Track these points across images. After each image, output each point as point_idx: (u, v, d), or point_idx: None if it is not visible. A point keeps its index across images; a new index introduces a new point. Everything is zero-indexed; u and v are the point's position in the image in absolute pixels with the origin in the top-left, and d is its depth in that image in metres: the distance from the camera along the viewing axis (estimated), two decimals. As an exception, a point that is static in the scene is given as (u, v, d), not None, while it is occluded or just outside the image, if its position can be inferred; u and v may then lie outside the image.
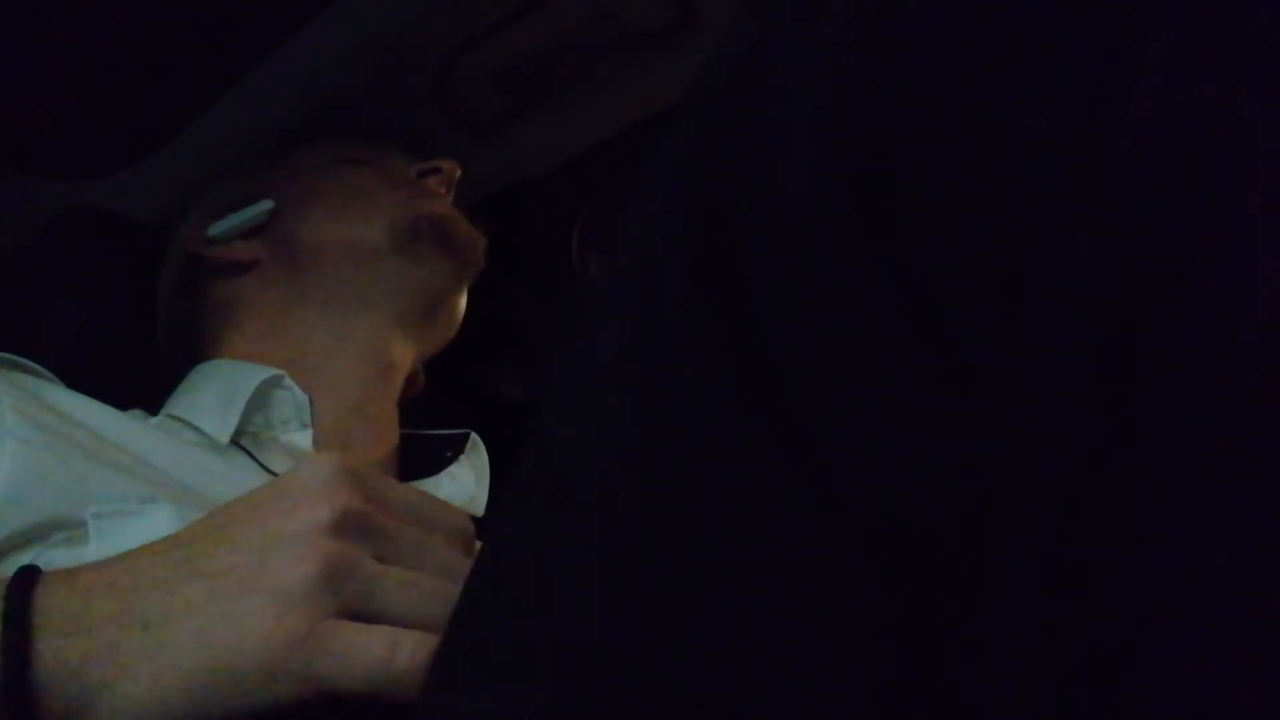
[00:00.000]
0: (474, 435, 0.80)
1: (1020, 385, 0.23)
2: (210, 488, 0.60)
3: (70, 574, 0.42)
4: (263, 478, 0.66)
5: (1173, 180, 0.21)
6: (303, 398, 0.72)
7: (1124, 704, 0.20)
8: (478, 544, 0.48)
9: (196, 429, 0.69)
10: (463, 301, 0.83)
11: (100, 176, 0.90)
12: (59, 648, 0.39)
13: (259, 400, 0.70)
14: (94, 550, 0.52)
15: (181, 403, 0.72)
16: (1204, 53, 0.22)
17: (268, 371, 0.71)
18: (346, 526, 0.42)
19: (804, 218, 0.26)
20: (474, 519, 0.49)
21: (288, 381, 0.72)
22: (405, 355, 0.79)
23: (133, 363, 0.82)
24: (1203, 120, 0.21)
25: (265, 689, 0.39)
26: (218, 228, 0.81)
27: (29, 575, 0.42)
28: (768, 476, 0.24)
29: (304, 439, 0.71)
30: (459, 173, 0.85)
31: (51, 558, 0.52)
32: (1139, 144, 0.22)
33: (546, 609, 0.26)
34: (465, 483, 0.77)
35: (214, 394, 0.71)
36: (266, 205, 0.80)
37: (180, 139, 0.89)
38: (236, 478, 0.64)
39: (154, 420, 0.70)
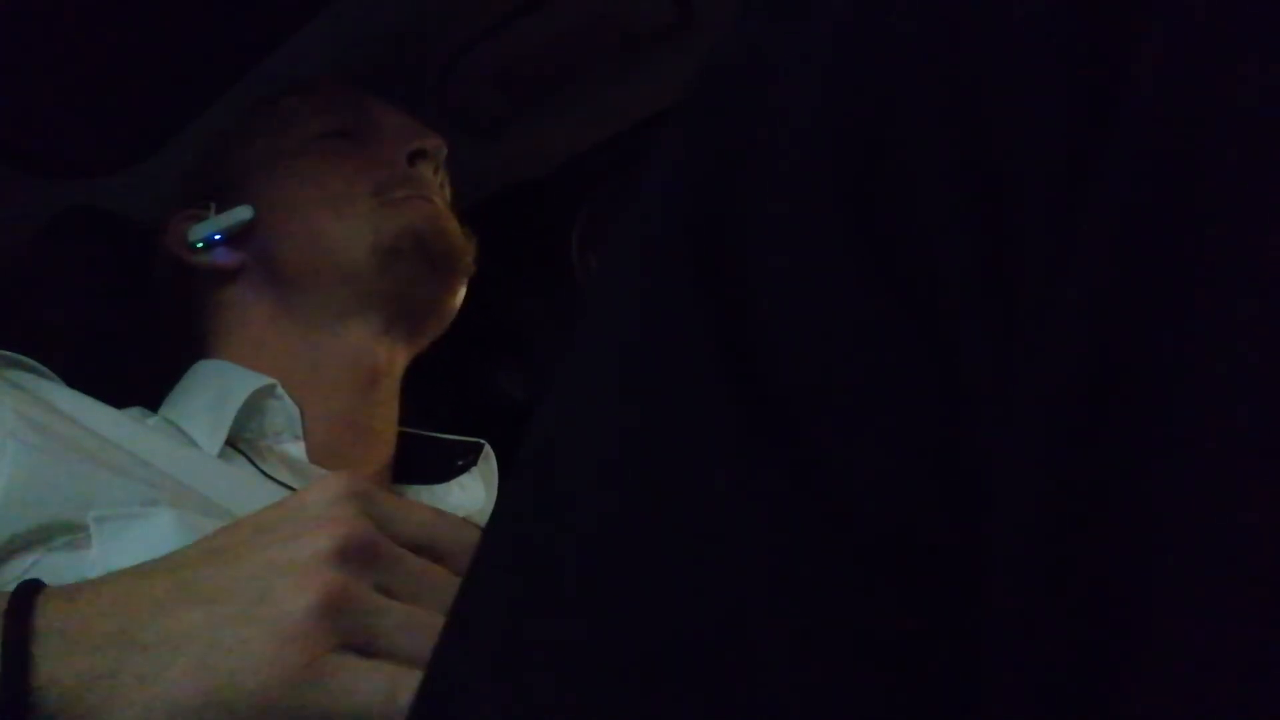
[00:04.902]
0: (487, 446, 0.79)
1: (1017, 384, 0.23)
2: (210, 491, 0.59)
3: (70, 592, 0.42)
4: (261, 481, 0.66)
5: (1173, 175, 0.21)
6: (294, 409, 0.71)
7: (1124, 706, 0.20)
8: None
9: (189, 436, 0.68)
10: (454, 301, 0.79)
11: (100, 176, 0.90)
12: (56, 668, 0.39)
13: (253, 408, 0.70)
14: (96, 553, 0.51)
15: (176, 406, 0.72)
16: (1204, 43, 0.22)
17: (261, 380, 0.70)
18: (351, 555, 0.41)
19: (801, 218, 0.26)
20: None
21: (280, 391, 0.71)
22: (395, 361, 0.78)
23: (133, 363, 0.82)
24: (1204, 112, 0.21)
25: None
26: (197, 233, 0.77)
27: (29, 592, 0.41)
28: (764, 478, 0.24)
29: (297, 450, 0.70)
30: (445, 151, 0.81)
31: (53, 561, 0.52)
32: (1138, 138, 0.22)
33: (541, 607, 0.26)
34: (475, 494, 0.76)
35: (206, 400, 0.70)
36: (245, 215, 0.75)
37: (180, 139, 0.89)
38: (236, 480, 0.63)
39: (151, 421, 0.70)
